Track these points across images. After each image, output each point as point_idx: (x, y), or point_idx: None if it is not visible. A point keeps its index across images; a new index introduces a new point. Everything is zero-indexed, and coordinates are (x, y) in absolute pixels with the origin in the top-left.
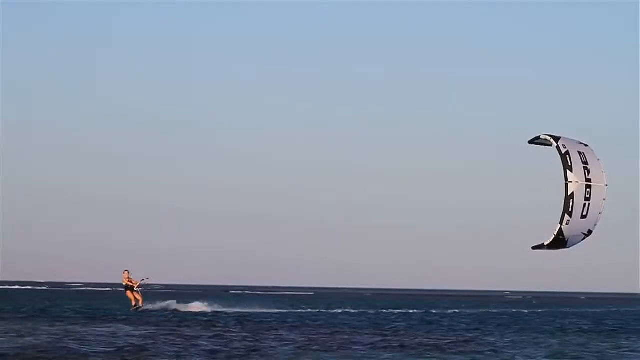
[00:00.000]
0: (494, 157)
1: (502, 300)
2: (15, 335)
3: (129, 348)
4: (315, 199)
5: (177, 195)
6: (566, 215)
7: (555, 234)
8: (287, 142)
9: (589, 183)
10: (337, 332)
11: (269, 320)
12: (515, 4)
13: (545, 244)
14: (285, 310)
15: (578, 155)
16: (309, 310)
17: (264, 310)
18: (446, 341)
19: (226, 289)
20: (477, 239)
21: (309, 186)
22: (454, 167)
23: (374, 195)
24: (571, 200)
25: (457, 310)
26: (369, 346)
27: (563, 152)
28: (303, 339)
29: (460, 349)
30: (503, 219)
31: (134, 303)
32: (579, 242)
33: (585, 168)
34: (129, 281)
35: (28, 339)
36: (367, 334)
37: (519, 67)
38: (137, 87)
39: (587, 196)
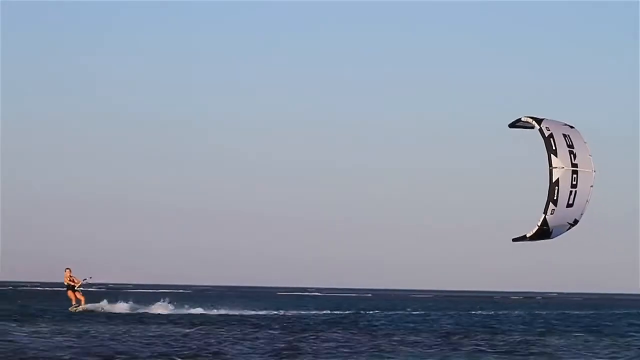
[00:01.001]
0: (494, 157)
1: (517, 302)
2: None
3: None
4: (316, 199)
5: (177, 195)
6: (551, 203)
7: (539, 224)
8: (288, 142)
9: (575, 169)
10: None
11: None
12: (515, 4)
13: (528, 235)
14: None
15: (563, 138)
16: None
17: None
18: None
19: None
20: (469, 239)
21: (307, 185)
22: (470, 167)
23: (393, 196)
24: (556, 188)
25: (505, 312)
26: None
27: (547, 135)
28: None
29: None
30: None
31: (74, 302)
32: (563, 233)
33: (570, 152)
34: (70, 280)
35: None
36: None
37: (518, 67)
38: (136, 87)
39: (574, 183)
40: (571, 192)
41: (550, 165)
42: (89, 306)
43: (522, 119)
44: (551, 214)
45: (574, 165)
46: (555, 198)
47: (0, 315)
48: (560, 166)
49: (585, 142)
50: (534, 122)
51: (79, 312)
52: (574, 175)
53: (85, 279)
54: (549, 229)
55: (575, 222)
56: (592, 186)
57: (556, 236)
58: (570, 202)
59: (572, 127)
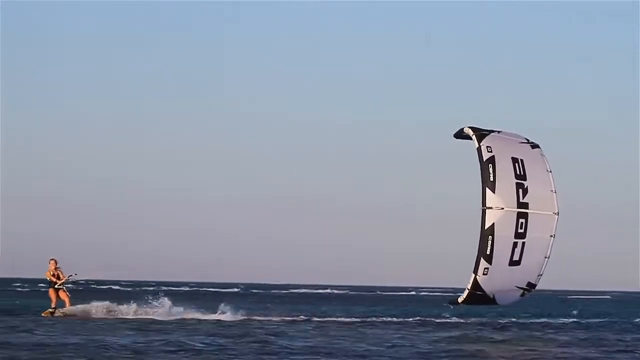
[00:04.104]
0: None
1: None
2: None
3: None
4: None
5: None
6: (482, 260)
7: (469, 287)
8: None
9: (524, 210)
10: None
11: None
12: (514, 4)
13: (460, 300)
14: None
15: (511, 163)
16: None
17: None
18: None
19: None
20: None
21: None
22: None
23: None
24: (490, 238)
25: (576, 311)
26: None
27: (485, 159)
28: None
29: None
30: None
31: (53, 305)
32: (516, 300)
33: (519, 185)
34: (54, 275)
35: None
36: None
37: (518, 68)
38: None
39: (520, 231)
40: (515, 244)
41: (484, 204)
42: (75, 309)
43: (464, 130)
44: (484, 274)
45: (522, 205)
46: (488, 252)
47: None
48: (498, 206)
49: (549, 171)
50: (473, 137)
51: (60, 316)
52: (521, 220)
53: (71, 275)
54: (485, 294)
55: (531, 286)
56: (552, 236)
57: (508, 303)
58: (516, 258)
59: (534, 145)
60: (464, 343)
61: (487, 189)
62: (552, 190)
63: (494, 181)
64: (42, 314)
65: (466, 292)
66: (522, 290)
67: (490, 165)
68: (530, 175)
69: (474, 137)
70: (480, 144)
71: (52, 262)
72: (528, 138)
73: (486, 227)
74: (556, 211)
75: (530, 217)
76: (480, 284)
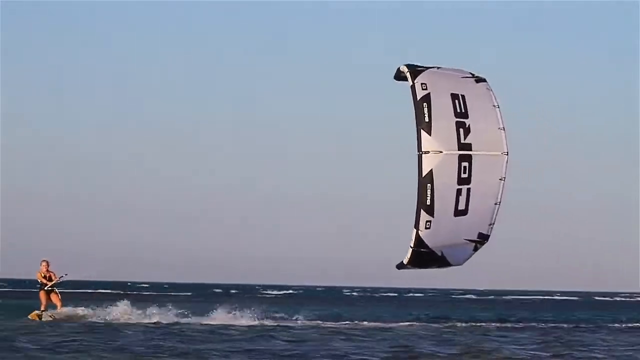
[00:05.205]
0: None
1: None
2: None
3: None
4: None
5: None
6: (423, 212)
7: (412, 244)
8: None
9: (467, 152)
10: None
11: None
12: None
13: (405, 261)
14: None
15: (450, 100)
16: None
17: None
18: None
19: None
20: None
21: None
22: None
23: None
24: (428, 186)
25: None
26: None
27: (419, 97)
28: None
29: None
30: None
31: (43, 308)
32: (469, 256)
33: (460, 124)
34: (45, 277)
35: None
36: None
37: (517, 68)
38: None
39: (464, 175)
40: (459, 191)
41: (419, 148)
42: (66, 311)
43: (401, 69)
44: (426, 228)
45: (463, 146)
46: (428, 203)
47: None
48: (436, 150)
49: (495, 106)
50: (408, 74)
51: (48, 320)
52: (464, 164)
53: (62, 276)
54: (432, 251)
55: (483, 237)
56: (502, 179)
57: (459, 262)
58: (461, 207)
59: (479, 79)
60: None
61: (422, 131)
62: (499, 128)
63: (429, 122)
64: (29, 316)
65: (410, 250)
66: (474, 244)
67: (424, 104)
68: (473, 112)
69: (408, 75)
70: (415, 82)
71: (44, 263)
72: (473, 73)
73: (424, 175)
74: (505, 151)
75: (474, 159)
76: (424, 239)
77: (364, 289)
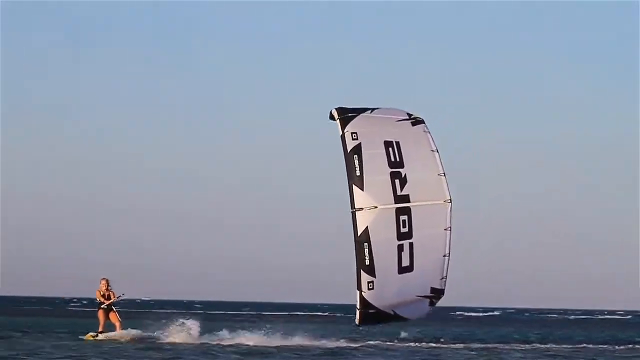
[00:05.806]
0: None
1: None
2: None
3: None
4: None
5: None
6: (363, 273)
7: (359, 307)
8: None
9: (405, 204)
10: None
11: None
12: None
13: (356, 322)
14: None
15: (384, 149)
16: None
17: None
18: None
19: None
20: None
21: None
22: None
23: None
24: (366, 245)
25: None
26: None
27: (349, 149)
28: None
29: None
30: None
31: (100, 329)
32: (428, 311)
33: (395, 175)
34: (103, 296)
35: None
36: None
37: (517, 68)
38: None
39: (404, 229)
40: (401, 247)
41: (352, 205)
42: (126, 334)
43: (332, 113)
44: (370, 289)
45: (400, 198)
46: (367, 263)
47: None
48: (370, 205)
49: (434, 150)
50: (338, 123)
51: (109, 339)
52: (402, 217)
53: (120, 296)
54: (380, 311)
55: (437, 292)
56: (447, 229)
57: (419, 315)
58: (405, 263)
59: (416, 121)
60: None
61: (353, 186)
62: (439, 174)
63: (361, 175)
64: (88, 338)
65: (357, 312)
66: (428, 299)
67: (355, 155)
68: (410, 160)
69: (337, 123)
70: (345, 131)
71: (104, 281)
72: (411, 113)
73: (359, 234)
74: (447, 199)
75: (414, 211)
76: (370, 300)
77: None
